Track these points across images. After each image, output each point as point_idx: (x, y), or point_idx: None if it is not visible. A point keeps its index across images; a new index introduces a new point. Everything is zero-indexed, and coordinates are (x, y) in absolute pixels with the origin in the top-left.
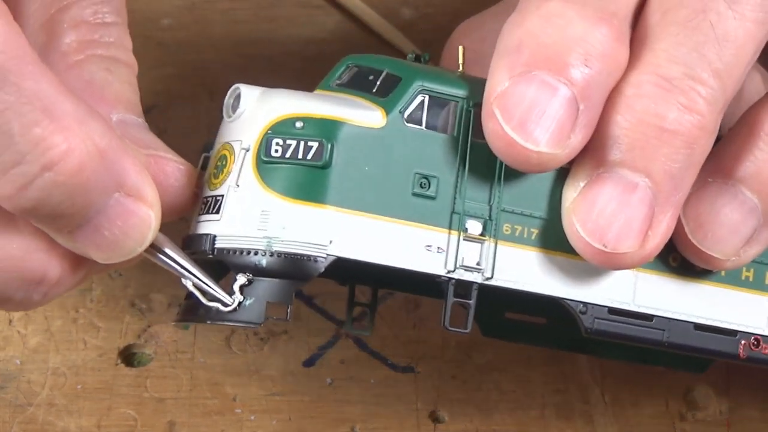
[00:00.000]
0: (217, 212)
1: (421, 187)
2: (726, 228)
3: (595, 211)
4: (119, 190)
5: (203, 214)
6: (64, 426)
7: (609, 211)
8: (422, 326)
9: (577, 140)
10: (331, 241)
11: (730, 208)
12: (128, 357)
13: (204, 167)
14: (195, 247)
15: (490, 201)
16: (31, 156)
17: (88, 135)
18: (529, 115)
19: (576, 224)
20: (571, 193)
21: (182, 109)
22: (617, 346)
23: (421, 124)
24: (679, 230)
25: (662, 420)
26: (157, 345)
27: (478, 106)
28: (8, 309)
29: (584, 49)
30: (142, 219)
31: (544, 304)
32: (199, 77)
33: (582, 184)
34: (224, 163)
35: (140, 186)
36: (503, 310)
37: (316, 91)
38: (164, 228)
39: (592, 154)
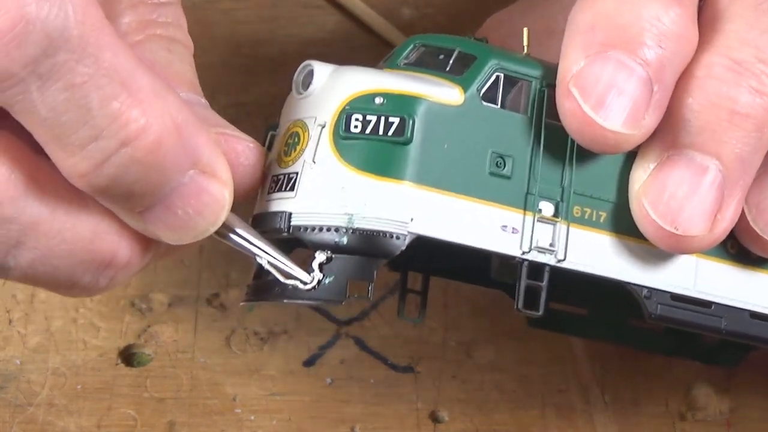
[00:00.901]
0: (292, 189)
1: (497, 166)
2: None
3: (666, 194)
4: (194, 168)
5: (274, 192)
6: (64, 426)
7: (681, 194)
8: (422, 326)
9: (650, 121)
10: (412, 219)
11: None
12: (128, 357)
13: (270, 147)
14: (268, 225)
15: (561, 183)
16: (108, 131)
17: (166, 110)
18: (607, 95)
19: (647, 207)
20: (640, 176)
21: None
22: (659, 338)
23: (496, 103)
24: (740, 217)
25: (662, 420)
26: (157, 345)
27: (551, 87)
28: (74, 295)
29: (658, 30)
30: (215, 197)
31: (594, 291)
32: (200, 77)
33: (652, 167)
34: (296, 140)
35: (214, 163)
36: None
37: (385, 70)
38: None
39: (662, 136)
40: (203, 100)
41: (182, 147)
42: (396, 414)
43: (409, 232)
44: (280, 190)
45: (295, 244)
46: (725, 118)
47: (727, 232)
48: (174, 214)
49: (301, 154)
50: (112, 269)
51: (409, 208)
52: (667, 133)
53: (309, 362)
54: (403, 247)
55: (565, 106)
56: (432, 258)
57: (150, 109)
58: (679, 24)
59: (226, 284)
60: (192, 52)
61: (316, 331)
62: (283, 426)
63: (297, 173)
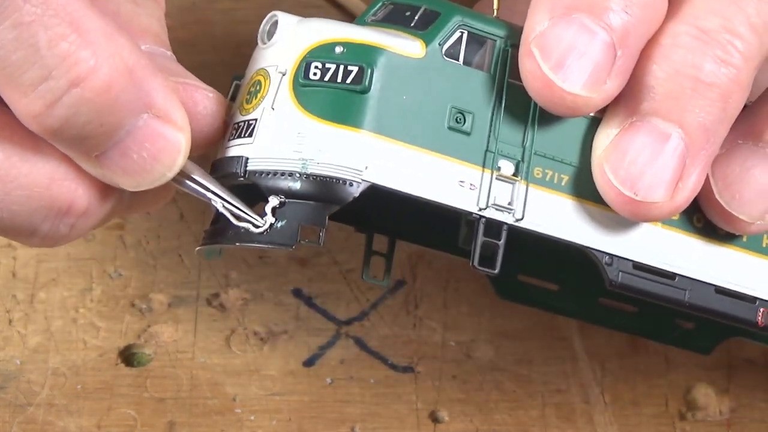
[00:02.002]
0: (250, 135)
1: (457, 122)
2: (754, 190)
3: (627, 159)
4: (148, 111)
5: (234, 138)
6: (63, 426)
7: (642, 160)
8: (422, 326)
9: (612, 86)
10: (366, 167)
11: (760, 170)
12: (128, 357)
13: (234, 97)
14: (225, 170)
15: (523, 143)
16: (58, 71)
17: (117, 51)
18: (567, 57)
19: (608, 172)
20: (603, 141)
21: None
22: (629, 318)
23: (458, 59)
24: (706, 190)
25: (662, 420)
26: (157, 345)
27: (516, 47)
28: (35, 244)
29: None
30: (171, 142)
31: (556, 266)
32: (200, 77)
33: (615, 132)
34: (258, 88)
35: (169, 108)
36: (516, 273)
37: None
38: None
39: (626, 102)
40: (169, 53)
41: (134, 89)
42: (396, 414)
43: (362, 180)
44: (239, 136)
45: (256, 193)
46: (689, 86)
47: (689, 202)
48: (130, 158)
49: (261, 101)
50: (70, 216)
51: (364, 156)
52: (631, 100)
53: (309, 362)
54: (356, 194)
55: (525, 66)
56: (398, 221)
57: (100, 50)
58: None
59: (226, 284)
60: (163, 9)
61: (316, 331)
62: (283, 426)
63: (256, 120)
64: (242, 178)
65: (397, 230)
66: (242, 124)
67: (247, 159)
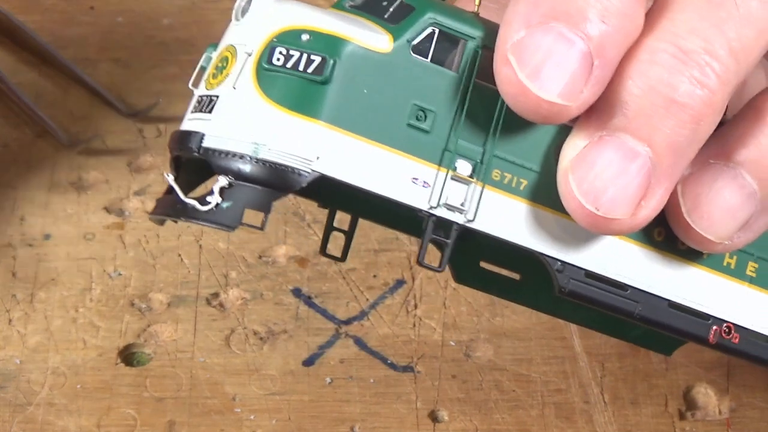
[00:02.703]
0: (210, 112)
1: (417, 119)
2: (723, 210)
3: (592, 173)
4: None
5: (195, 112)
6: (63, 425)
7: (606, 175)
8: (422, 326)
9: (588, 95)
10: (318, 157)
11: (729, 190)
12: (128, 357)
13: (204, 67)
14: (182, 142)
15: (484, 144)
16: None
17: None
18: (544, 64)
19: (572, 183)
20: (570, 152)
21: (182, 109)
22: (589, 313)
23: (426, 57)
24: (675, 208)
25: (662, 419)
26: (157, 345)
27: (488, 49)
28: None
29: (603, 6)
30: None
31: (520, 258)
32: (200, 77)
33: (583, 144)
34: (225, 64)
35: None
36: (479, 259)
37: (330, 9)
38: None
39: (597, 115)
40: None
41: None
42: (395, 414)
43: (312, 171)
44: (200, 110)
45: (211, 167)
46: (662, 105)
47: (649, 220)
48: None
49: (225, 79)
50: None
51: (317, 147)
52: (603, 113)
53: (309, 362)
54: (304, 184)
55: (502, 73)
56: (362, 203)
57: None
58: (625, 2)
59: (226, 284)
60: None
61: (315, 331)
62: (282, 425)
63: (218, 96)
64: (197, 154)
65: (360, 210)
66: (205, 98)
67: (203, 135)
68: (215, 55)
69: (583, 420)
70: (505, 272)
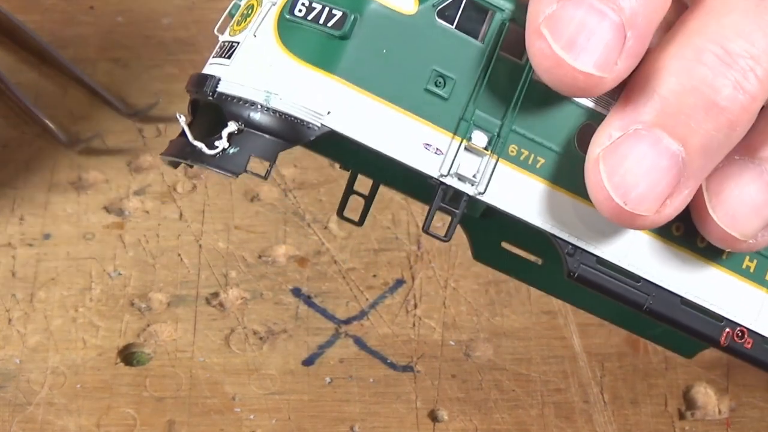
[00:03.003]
0: (229, 57)
1: (436, 85)
2: (748, 207)
3: (624, 166)
4: None
5: (216, 57)
6: (63, 425)
7: (639, 170)
8: (421, 325)
9: (623, 67)
10: (329, 112)
11: (756, 187)
12: (127, 356)
13: (232, 14)
14: (199, 85)
15: (503, 118)
16: None
17: None
18: (579, 36)
19: (602, 173)
20: (603, 140)
21: (182, 109)
22: (607, 304)
23: (452, 23)
24: (699, 204)
25: (661, 419)
26: (157, 344)
27: (515, 22)
28: None
29: None
30: None
31: (542, 242)
32: None
33: (617, 135)
34: (250, 12)
35: None
36: (500, 239)
37: None
38: None
39: (634, 107)
40: None
41: None
42: (395, 413)
43: (322, 125)
44: (221, 56)
45: (223, 112)
46: (702, 107)
47: (671, 219)
48: None
49: (248, 26)
50: None
51: (329, 101)
52: (641, 106)
53: (308, 361)
54: (312, 138)
55: (535, 46)
56: (383, 167)
57: None
58: None
59: (226, 284)
60: None
61: (315, 331)
62: (282, 425)
63: (238, 43)
64: (210, 98)
65: (380, 175)
66: (227, 44)
67: (219, 80)
68: (243, 2)
69: (582, 420)
70: (524, 255)
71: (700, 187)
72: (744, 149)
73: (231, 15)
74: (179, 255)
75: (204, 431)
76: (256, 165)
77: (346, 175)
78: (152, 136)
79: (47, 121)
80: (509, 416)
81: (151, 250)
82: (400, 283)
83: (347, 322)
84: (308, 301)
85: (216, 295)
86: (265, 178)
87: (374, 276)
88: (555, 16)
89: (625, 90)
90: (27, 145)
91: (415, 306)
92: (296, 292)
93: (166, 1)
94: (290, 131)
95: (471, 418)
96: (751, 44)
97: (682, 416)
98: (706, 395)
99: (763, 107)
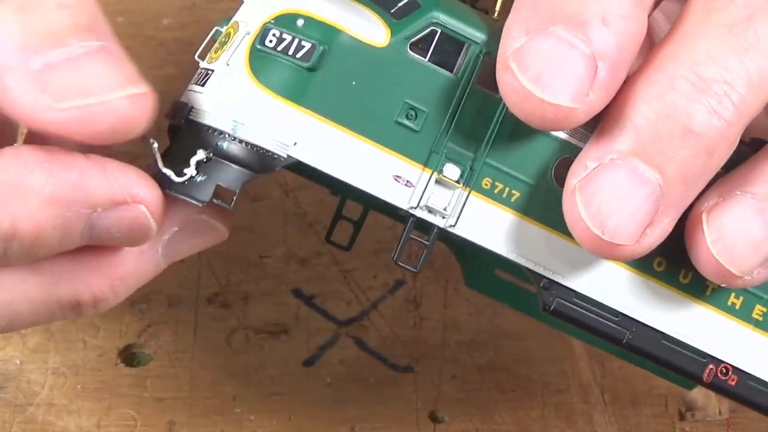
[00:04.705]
0: (203, 85)
1: (407, 117)
2: (748, 243)
3: (600, 196)
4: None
5: (193, 84)
6: (63, 426)
7: (615, 200)
8: (422, 326)
9: (595, 99)
10: (295, 143)
11: (756, 223)
12: (128, 357)
13: (214, 40)
14: (175, 112)
15: (476, 151)
16: None
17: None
18: (546, 68)
19: (579, 204)
20: (579, 171)
21: None
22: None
23: (425, 56)
24: (697, 237)
25: (662, 420)
26: (157, 345)
27: (489, 55)
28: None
29: (602, 8)
30: (138, 212)
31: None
32: None
33: (593, 165)
34: (226, 40)
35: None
36: (494, 266)
37: None
38: None
39: (609, 137)
40: (96, 43)
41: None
42: (396, 414)
43: (288, 156)
44: (197, 83)
45: (194, 139)
46: (678, 134)
47: (652, 248)
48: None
49: (222, 55)
50: (81, 309)
51: (296, 132)
52: (615, 135)
53: (309, 362)
54: (278, 168)
55: (503, 80)
56: (364, 193)
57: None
58: (625, 5)
59: (226, 284)
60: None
61: (315, 331)
62: (282, 426)
63: (213, 71)
64: (183, 124)
65: (371, 201)
66: (203, 71)
67: (191, 108)
68: (224, 29)
69: (583, 420)
70: (518, 282)
71: (701, 220)
72: (745, 185)
73: (213, 41)
74: None
75: (204, 431)
76: (225, 192)
77: None
78: (152, 137)
79: None
80: (510, 417)
81: None
82: (400, 283)
83: (348, 322)
84: (309, 301)
85: (217, 295)
86: (231, 207)
87: (375, 276)
88: (523, 49)
89: (601, 121)
90: None
91: (416, 306)
92: (297, 292)
93: (166, 1)
94: (256, 162)
95: (471, 419)
96: (724, 69)
97: (682, 417)
98: (706, 396)
99: (763, 146)
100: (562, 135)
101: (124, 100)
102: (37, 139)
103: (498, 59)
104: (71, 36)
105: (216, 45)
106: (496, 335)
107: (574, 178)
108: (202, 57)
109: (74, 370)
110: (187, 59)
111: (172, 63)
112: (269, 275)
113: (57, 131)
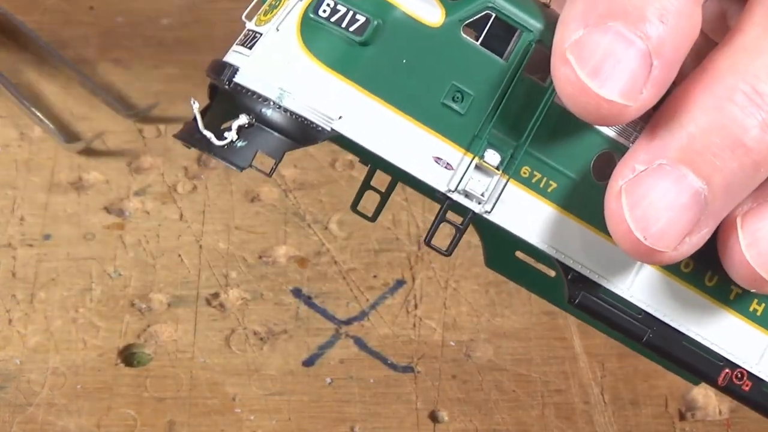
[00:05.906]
0: (250, 48)
1: (453, 100)
2: None
3: (647, 200)
4: None
5: (239, 45)
6: (63, 426)
7: (661, 206)
8: (422, 326)
9: (648, 96)
10: (340, 117)
11: None
12: (128, 357)
13: (263, 1)
14: (218, 72)
15: (518, 138)
16: None
17: None
18: (604, 64)
19: (624, 206)
20: (626, 173)
21: (182, 109)
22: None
23: (477, 40)
24: (732, 242)
25: (662, 420)
26: (157, 345)
27: (541, 44)
28: None
29: (661, 5)
30: None
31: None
32: (200, 77)
33: (641, 168)
34: (278, 3)
35: None
36: (515, 248)
37: None
38: None
39: (660, 141)
40: None
41: None
42: (395, 414)
43: (332, 129)
44: (244, 45)
45: (236, 103)
46: (729, 146)
47: (687, 256)
48: None
49: (273, 19)
50: None
51: (341, 106)
52: (667, 141)
53: (309, 362)
54: (321, 140)
55: (560, 71)
56: (396, 167)
57: None
58: (683, 2)
59: (226, 284)
60: None
61: (315, 331)
62: (282, 426)
63: (261, 34)
64: (227, 86)
65: (401, 174)
66: (250, 33)
67: (237, 70)
68: None
69: (583, 420)
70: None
71: (735, 225)
72: None
73: (262, 1)
74: (179, 255)
75: (204, 431)
76: (262, 160)
77: (347, 175)
78: (152, 137)
79: (47, 121)
80: (510, 417)
81: (151, 250)
82: (400, 283)
83: (347, 322)
84: (308, 301)
85: (216, 295)
86: (269, 175)
87: (375, 276)
88: (581, 42)
89: (651, 122)
90: (27, 145)
91: (416, 306)
92: (296, 292)
93: (166, 1)
94: (299, 132)
95: (471, 419)
96: None
97: (682, 417)
98: (706, 396)
99: None
100: (605, 130)
101: None
102: None
103: (554, 50)
104: None
105: (265, 6)
106: (496, 335)
107: (621, 179)
108: (249, 18)
109: (74, 370)
110: (188, 58)
111: (172, 63)
112: (269, 276)
113: None
